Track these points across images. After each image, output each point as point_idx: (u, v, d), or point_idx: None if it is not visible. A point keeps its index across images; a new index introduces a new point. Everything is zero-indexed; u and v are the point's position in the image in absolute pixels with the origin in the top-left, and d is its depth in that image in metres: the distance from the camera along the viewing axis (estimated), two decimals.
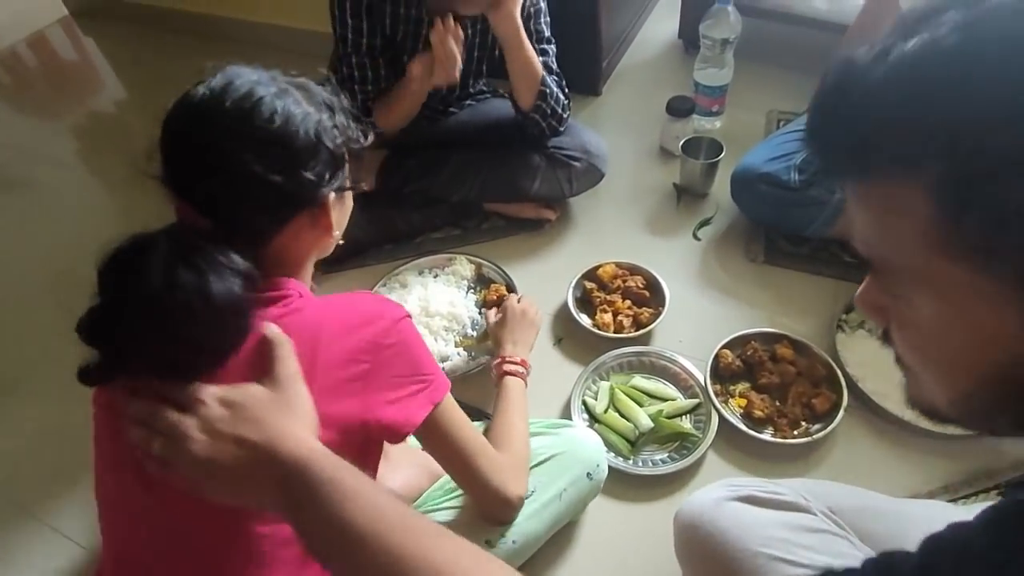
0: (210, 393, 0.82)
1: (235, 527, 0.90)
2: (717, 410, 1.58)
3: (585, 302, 1.88)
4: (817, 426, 1.55)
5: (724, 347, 1.69)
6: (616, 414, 1.62)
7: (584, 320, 1.83)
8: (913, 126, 0.49)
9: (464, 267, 1.98)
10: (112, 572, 0.97)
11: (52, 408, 1.80)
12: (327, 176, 0.97)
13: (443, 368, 1.72)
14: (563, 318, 1.88)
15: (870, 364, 1.62)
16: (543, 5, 1.90)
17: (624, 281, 1.88)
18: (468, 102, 2.17)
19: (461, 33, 1.76)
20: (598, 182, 2.10)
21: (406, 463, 1.38)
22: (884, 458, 1.52)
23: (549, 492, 1.30)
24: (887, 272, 0.58)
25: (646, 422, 1.58)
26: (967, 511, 1.24)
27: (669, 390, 1.68)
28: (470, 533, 1.19)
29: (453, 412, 1.10)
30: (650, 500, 1.51)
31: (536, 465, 1.31)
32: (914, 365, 0.61)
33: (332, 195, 1.00)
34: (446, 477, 1.30)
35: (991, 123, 0.46)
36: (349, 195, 1.09)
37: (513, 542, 1.24)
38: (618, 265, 1.92)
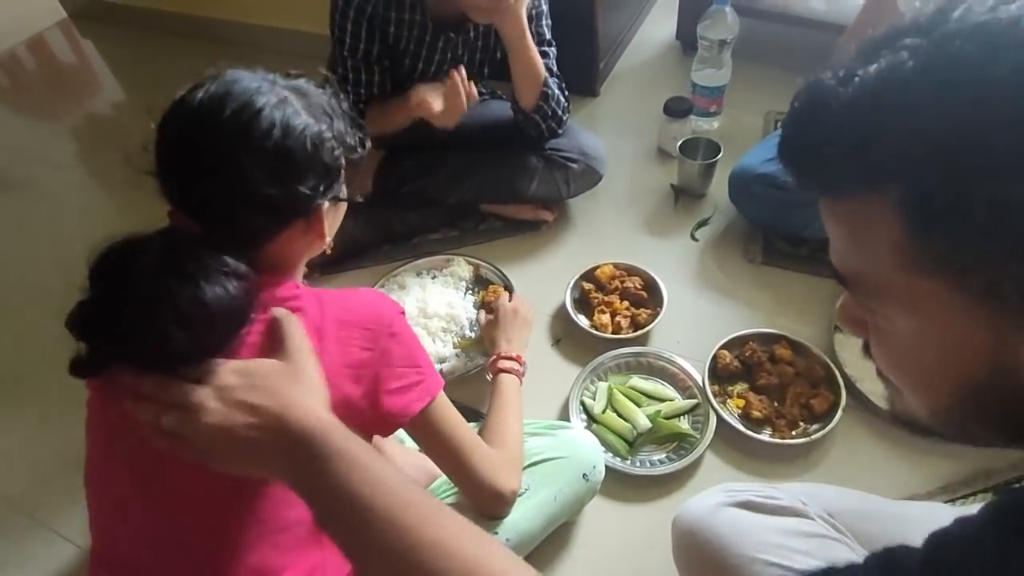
0: (222, 364, 0.83)
1: (228, 519, 0.90)
2: (715, 411, 1.58)
3: (583, 303, 1.88)
4: (815, 427, 1.55)
5: (722, 348, 1.69)
6: (614, 414, 1.62)
7: (582, 321, 1.83)
8: (877, 147, 0.50)
9: (462, 268, 1.98)
10: (103, 571, 0.97)
11: (49, 408, 1.81)
12: (322, 188, 0.97)
13: (441, 369, 1.73)
14: (561, 319, 1.88)
15: (868, 365, 1.61)
16: (545, 8, 1.90)
17: (622, 282, 1.88)
18: None
19: (475, 93, 1.77)
20: (596, 184, 2.10)
21: (404, 464, 1.38)
22: (883, 458, 1.52)
23: (544, 492, 1.30)
24: (861, 287, 0.58)
25: (644, 423, 1.58)
26: (966, 511, 1.24)
27: (667, 391, 1.68)
28: None
29: (447, 409, 1.10)
30: (648, 500, 1.51)
31: (532, 465, 1.31)
32: (893, 378, 0.62)
33: (326, 204, 0.99)
34: (442, 478, 1.31)
35: (951, 143, 0.47)
36: (343, 204, 1.08)
37: (507, 540, 1.24)
38: (616, 266, 1.92)
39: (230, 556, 0.91)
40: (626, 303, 1.85)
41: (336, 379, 0.93)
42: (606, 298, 1.86)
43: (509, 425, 1.31)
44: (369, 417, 0.99)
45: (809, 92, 0.55)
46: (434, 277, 1.98)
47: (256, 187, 0.90)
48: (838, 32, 2.23)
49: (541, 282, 1.96)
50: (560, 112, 1.98)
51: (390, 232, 2.10)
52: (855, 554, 0.98)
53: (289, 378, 0.83)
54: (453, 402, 1.12)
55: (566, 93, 1.99)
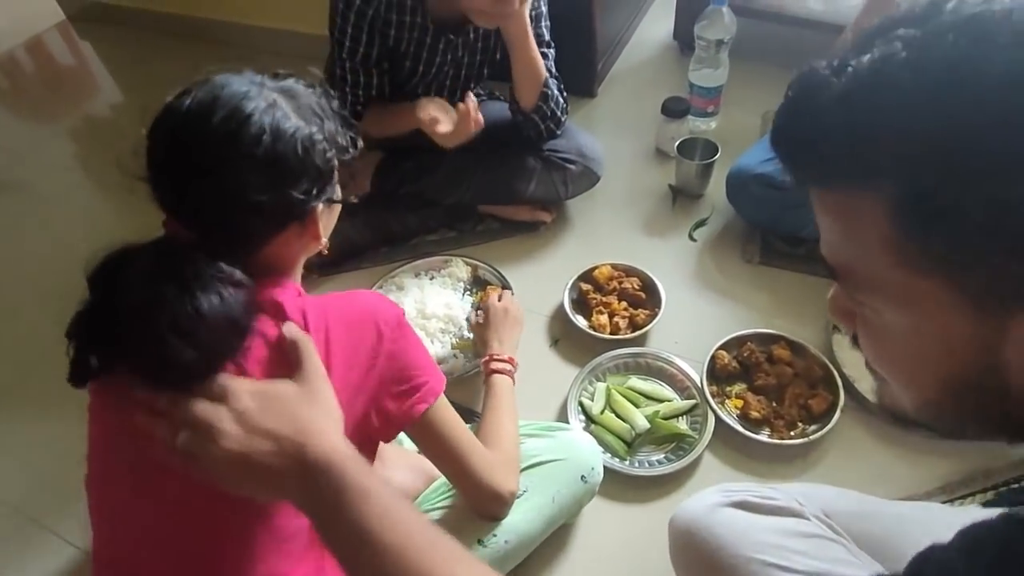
0: (241, 386, 0.82)
1: (229, 526, 0.90)
2: (713, 411, 1.58)
3: (581, 304, 1.88)
4: (814, 427, 1.55)
5: (720, 348, 1.69)
6: (612, 415, 1.63)
7: (580, 321, 1.83)
8: (867, 141, 0.50)
9: (460, 269, 1.98)
10: (105, 574, 0.97)
11: (49, 410, 1.80)
12: (315, 191, 0.96)
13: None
14: (559, 320, 1.88)
15: (882, 371, 1.62)
16: (544, 9, 1.90)
17: (620, 283, 1.88)
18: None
19: (481, 120, 1.77)
20: (593, 185, 2.10)
21: (402, 466, 1.38)
22: (881, 458, 1.52)
23: (542, 494, 1.30)
24: (850, 279, 0.58)
25: (642, 423, 1.58)
26: (964, 512, 1.25)
27: (665, 391, 1.68)
28: (462, 531, 1.21)
29: (446, 410, 1.11)
30: (646, 501, 1.51)
31: (530, 467, 1.31)
32: (880, 370, 0.62)
33: (320, 206, 0.99)
34: (441, 480, 1.31)
35: (947, 143, 0.46)
36: (337, 206, 1.08)
37: (506, 542, 1.24)
38: (614, 267, 1.92)
39: (235, 564, 0.91)
40: (624, 304, 1.85)
41: (347, 392, 0.93)
42: (604, 299, 1.86)
43: (504, 426, 1.31)
44: (374, 425, 0.98)
45: (802, 82, 0.55)
46: (432, 278, 1.98)
47: (248, 194, 0.90)
48: (835, 32, 2.24)
49: (539, 283, 1.96)
50: (559, 113, 1.98)
51: (388, 233, 2.10)
52: (852, 555, 0.98)
53: (306, 403, 0.83)
54: (451, 403, 1.12)
55: (565, 94, 1.99)
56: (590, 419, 1.63)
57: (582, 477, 1.36)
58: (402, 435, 1.09)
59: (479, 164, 2.02)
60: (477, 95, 2.19)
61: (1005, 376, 0.52)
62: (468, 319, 1.79)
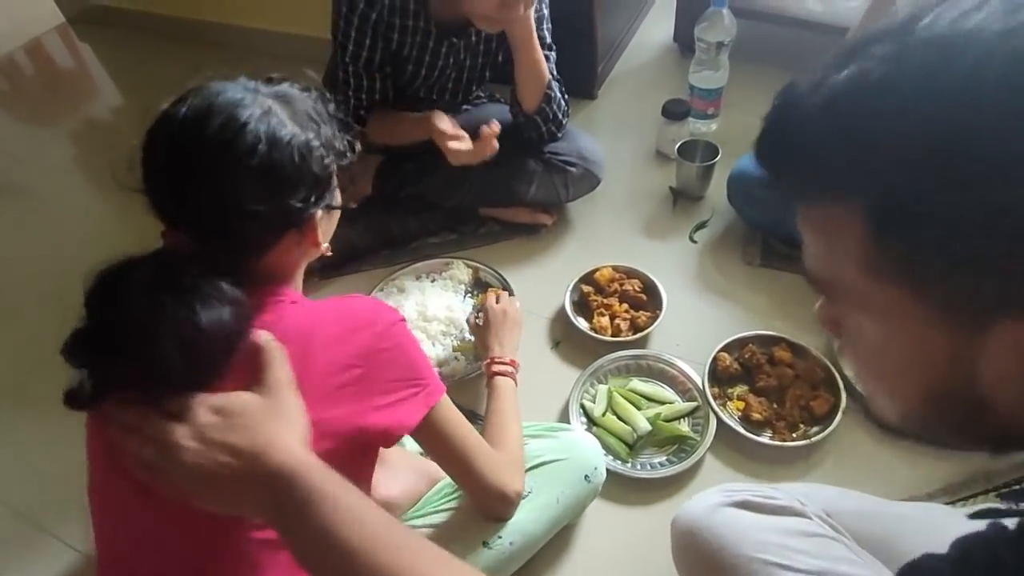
0: (200, 401, 0.82)
1: (227, 532, 0.90)
2: (715, 413, 1.58)
3: (582, 306, 1.88)
4: (815, 428, 1.55)
5: (722, 350, 1.69)
6: (614, 417, 1.63)
7: (581, 324, 1.83)
8: (843, 156, 0.51)
9: (461, 271, 1.98)
10: None
11: (49, 414, 1.79)
12: (313, 198, 0.96)
13: (441, 373, 1.72)
14: (560, 322, 1.88)
15: (861, 379, 1.62)
16: (546, 12, 1.90)
17: (621, 284, 1.88)
18: (465, 107, 2.17)
19: (496, 146, 1.79)
20: (594, 188, 2.10)
21: (405, 468, 1.38)
22: (883, 460, 1.52)
23: (546, 494, 1.30)
24: (832, 292, 0.59)
25: (644, 425, 1.58)
26: (965, 513, 1.25)
27: (667, 393, 1.68)
28: (467, 533, 1.21)
29: (449, 414, 1.10)
30: (648, 503, 1.51)
31: (534, 467, 1.31)
32: (863, 380, 0.63)
33: (319, 212, 0.99)
34: (444, 481, 1.31)
35: (914, 154, 0.47)
36: (337, 210, 1.08)
37: (511, 543, 1.24)
38: (615, 269, 1.92)
39: (232, 570, 0.91)
40: (625, 306, 1.85)
41: (326, 401, 0.92)
42: (605, 301, 1.86)
43: (508, 427, 1.31)
44: (368, 434, 0.98)
45: (782, 97, 0.56)
46: (433, 281, 1.98)
47: (245, 203, 0.90)
48: (835, 33, 2.25)
49: (540, 285, 1.96)
50: (560, 116, 1.98)
51: (389, 236, 2.10)
52: (854, 553, 0.99)
53: (268, 415, 0.82)
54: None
55: (566, 97, 2.00)
56: (592, 421, 1.63)
57: (585, 476, 1.36)
58: (405, 436, 1.09)
59: (480, 167, 2.01)
60: (478, 97, 2.20)
61: (983, 389, 0.52)
62: (468, 321, 1.79)
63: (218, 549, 0.91)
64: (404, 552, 0.76)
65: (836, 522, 1.04)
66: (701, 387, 1.64)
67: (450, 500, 1.28)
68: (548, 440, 1.38)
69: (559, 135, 2.03)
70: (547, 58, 1.91)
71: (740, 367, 1.67)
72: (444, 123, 1.80)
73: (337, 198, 1.06)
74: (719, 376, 1.66)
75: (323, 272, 2.00)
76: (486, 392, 1.46)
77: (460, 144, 1.78)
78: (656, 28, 2.94)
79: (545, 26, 1.91)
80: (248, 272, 0.94)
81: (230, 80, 0.96)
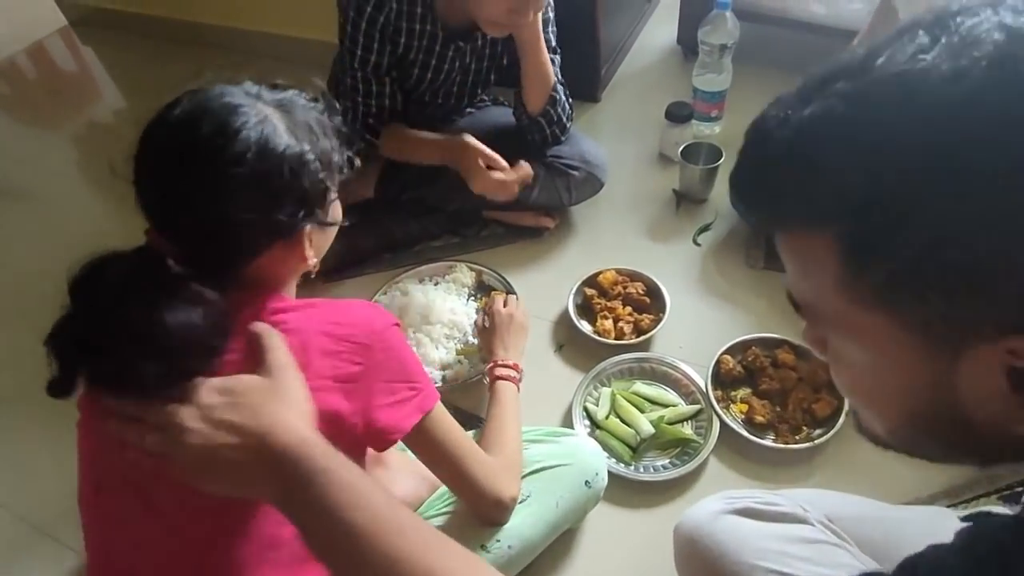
0: (203, 383, 0.82)
1: (222, 531, 0.90)
2: (718, 416, 1.58)
3: (586, 309, 1.88)
4: (818, 431, 1.55)
5: (725, 353, 1.69)
6: (618, 420, 1.63)
7: (585, 327, 1.83)
8: (809, 186, 0.53)
9: (465, 275, 1.98)
10: None
11: (49, 417, 1.80)
12: (302, 213, 0.94)
13: (444, 376, 1.73)
14: (564, 325, 1.88)
15: (849, 399, 1.62)
16: (551, 15, 1.90)
17: (624, 287, 1.88)
18: (468, 110, 2.17)
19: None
20: (597, 191, 2.10)
21: (407, 473, 1.37)
22: (885, 463, 1.49)
23: (546, 499, 1.30)
24: (812, 315, 0.61)
25: (647, 428, 1.58)
26: (959, 515, 1.24)
27: (670, 396, 1.68)
28: (465, 536, 1.21)
29: (443, 420, 1.10)
30: (652, 506, 1.51)
31: (534, 472, 1.31)
32: (848, 399, 0.66)
33: (308, 227, 0.97)
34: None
35: (877, 188, 0.49)
36: (333, 226, 1.06)
37: (509, 547, 1.24)
38: (618, 272, 1.92)
39: (226, 572, 0.91)
40: (629, 309, 1.85)
41: (325, 394, 0.92)
42: (609, 304, 1.86)
43: (507, 432, 1.31)
44: (362, 433, 0.98)
45: (752, 132, 0.58)
46: (436, 284, 1.98)
47: (229, 212, 0.89)
48: (838, 35, 2.25)
49: (543, 288, 1.96)
50: (565, 119, 1.99)
51: (392, 239, 2.10)
52: (856, 559, 0.99)
53: (271, 395, 0.83)
54: (456, 408, 1.12)
55: (570, 100, 2.00)
56: (595, 424, 1.63)
57: (586, 482, 1.36)
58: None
59: None
60: (481, 100, 2.20)
61: (964, 407, 0.54)
62: (475, 323, 1.78)
63: (209, 552, 0.91)
64: (407, 532, 0.76)
65: (839, 528, 1.04)
66: (704, 390, 1.64)
67: (450, 504, 1.28)
68: (549, 445, 1.38)
69: (563, 138, 2.03)
70: (552, 61, 1.91)
71: (743, 370, 1.67)
72: (477, 145, 1.82)
73: (334, 214, 1.04)
74: (722, 379, 1.66)
75: (327, 276, 2.00)
76: (487, 396, 1.46)
77: (497, 173, 1.79)
78: (659, 31, 2.94)
79: (550, 29, 1.91)
80: (236, 277, 0.94)
81: (235, 83, 0.95)
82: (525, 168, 1.84)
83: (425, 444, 1.09)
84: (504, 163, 1.83)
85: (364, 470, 1.09)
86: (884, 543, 1.03)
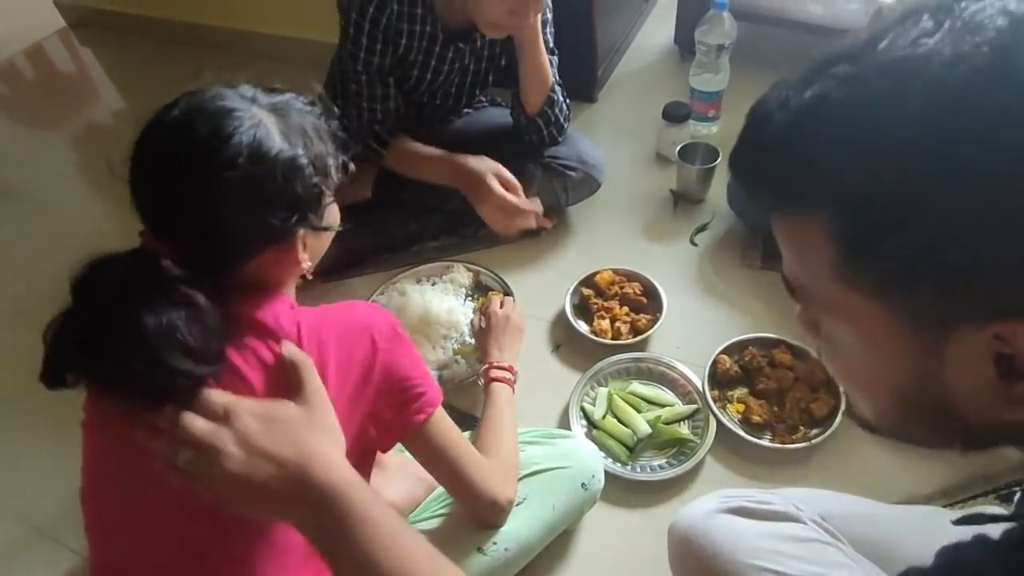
0: (243, 406, 0.82)
1: (227, 534, 0.90)
2: (715, 416, 1.58)
3: (583, 309, 1.89)
4: (815, 431, 1.55)
5: (722, 352, 1.69)
6: (614, 420, 1.63)
7: (582, 327, 1.83)
8: (806, 172, 0.53)
9: (462, 275, 1.98)
10: None
11: (50, 419, 1.80)
12: (295, 218, 0.94)
13: (442, 376, 1.73)
14: (561, 325, 1.88)
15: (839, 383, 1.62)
16: (549, 16, 1.90)
17: (621, 287, 1.88)
18: (465, 110, 2.18)
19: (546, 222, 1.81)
20: (594, 192, 2.10)
21: (404, 474, 1.38)
22: (882, 462, 1.52)
23: (543, 501, 1.30)
24: (805, 298, 0.61)
25: (644, 428, 1.58)
26: (952, 518, 1.25)
27: (667, 396, 1.68)
28: (461, 539, 1.21)
29: (444, 423, 1.10)
30: (648, 506, 1.51)
31: (530, 475, 1.31)
32: (839, 383, 0.66)
33: (303, 231, 0.97)
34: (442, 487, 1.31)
35: (871, 172, 0.49)
36: (329, 231, 1.06)
37: (506, 549, 1.24)
38: (615, 272, 1.92)
39: (228, 574, 0.91)
40: (626, 309, 1.85)
41: (342, 404, 0.92)
42: (606, 304, 1.86)
43: (502, 434, 1.31)
44: (371, 437, 0.98)
45: (753, 113, 0.58)
46: (434, 284, 1.98)
47: (220, 216, 0.89)
48: (835, 36, 2.23)
49: (541, 288, 1.96)
50: (562, 119, 1.99)
51: (389, 239, 2.10)
52: (849, 558, 0.99)
53: (309, 426, 0.83)
54: (453, 408, 1.12)
55: (568, 101, 2.00)
56: (592, 424, 1.64)
57: (583, 484, 1.36)
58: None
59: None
60: (479, 101, 2.20)
61: (948, 393, 0.55)
62: (471, 323, 1.79)
63: (216, 555, 0.91)
64: (425, 568, 0.79)
65: (832, 526, 1.04)
66: (701, 390, 1.64)
67: (447, 505, 1.28)
68: (546, 447, 1.38)
69: (560, 139, 2.03)
70: (550, 62, 1.91)
71: (740, 370, 1.67)
72: (496, 169, 1.83)
73: (330, 217, 1.04)
74: (719, 379, 1.67)
75: (325, 276, 2.00)
76: (482, 398, 1.46)
77: (513, 199, 1.79)
78: (656, 31, 2.94)
79: (548, 30, 1.91)
80: (232, 279, 0.94)
81: (232, 86, 0.95)
82: (537, 203, 1.83)
83: (424, 445, 1.09)
84: (519, 188, 1.81)
85: (371, 474, 1.11)
86: (878, 542, 1.04)
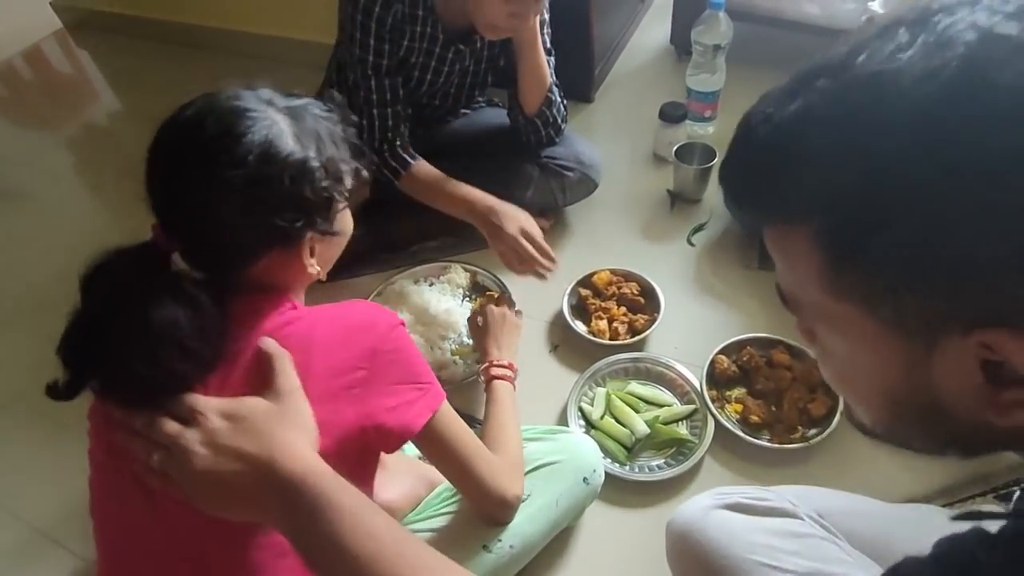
0: (211, 405, 0.83)
1: (232, 539, 0.90)
2: (713, 416, 1.59)
3: (580, 309, 1.89)
4: (813, 431, 1.55)
5: (720, 353, 1.69)
6: (612, 420, 1.63)
7: (580, 327, 1.83)
8: (790, 185, 0.54)
9: (459, 275, 1.98)
10: None
11: (51, 422, 1.80)
12: (302, 221, 0.95)
13: (440, 377, 1.72)
14: (559, 325, 1.88)
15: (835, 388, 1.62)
16: (547, 16, 1.90)
17: (619, 288, 1.88)
18: (463, 111, 2.17)
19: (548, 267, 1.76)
20: (591, 192, 2.10)
21: (404, 472, 1.38)
22: (880, 462, 1.52)
23: (545, 497, 1.30)
24: (799, 306, 0.62)
25: (642, 428, 1.58)
26: (950, 515, 1.25)
27: (665, 396, 1.68)
28: (467, 537, 1.22)
29: (451, 419, 1.10)
30: (647, 506, 1.51)
31: (532, 470, 1.31)
32: (834, 389, 0.67)
33: (310, 235, 0.98)
34: (444, 485, 1.31)
35: (849, 185, 0.50)
36: (339, 236, 1.07)
37: (511, 547, 1.24)
38: (613, 272, 1.92)
39: None
40: (623, 309, 1.85)
41: (330, 405, 0.92)
42: (603, 304, 1.86)
43: (507, 431, 1.31)
44: (371, 437, 0.98)
45: (740, 126, 0.59)
46: (431, 284, 1.98)
47: (224, 213, 0.90)
48: (832, 36, 2.24)
49: (538, 289, 1.95)
50: (560, 119, 1.99)
51: (387, 240, 2.09)
52: (845, 553, 1.00)
53: (279, 421, 0.83)
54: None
55: (565, 101, 2.00)
56: (590, 424, 1.64)
57: (584, 479, 1.36)
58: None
59: (477, 171, 2.01)
60: (476, 102, 2.20)
61: (941, 399, 0.55)
62: (468, 321, 1.78)
63: (218, 559, 0.91)
64: (406, 562, 0.77)
65: (828, 522, 1.05)
66: (699, 390, 1.65)
67: (450, 504, 1.28)
68: (546, 443, 1.39)
69: (557, 139, 2.03)
70: (547, 62, 1.91)
71: (738, 370, 1.67)
72: (526, 216, 1.77)
73: (341, 224, 1.05)
74: (717, 379, 1.67)
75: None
76: (484, 396, 1.46)
77: (528, 247, 1.74)
78: (653, 31, 2.94)
79: (545, 30, 1.91)
80: (240, 279, 0.94)
81: (252, 88, 0.96)
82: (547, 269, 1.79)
83: (432, 443, 1.09)
84: (542, 235, 1.77)
85: (375, 473, 1.10)
86: (874, 538, 1.04)
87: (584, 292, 1.89)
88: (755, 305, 1.86)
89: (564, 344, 1.85)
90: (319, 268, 1.03)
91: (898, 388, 0.57)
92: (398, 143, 1.82)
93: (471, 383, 1.72)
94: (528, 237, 1.72)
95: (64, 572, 1.55)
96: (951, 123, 0.46)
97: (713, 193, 2.12)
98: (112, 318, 0.83)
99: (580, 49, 2.47)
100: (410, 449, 1.45)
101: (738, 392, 1.65)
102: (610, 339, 1.79)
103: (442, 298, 1.91)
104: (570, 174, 2.03)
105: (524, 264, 1.74)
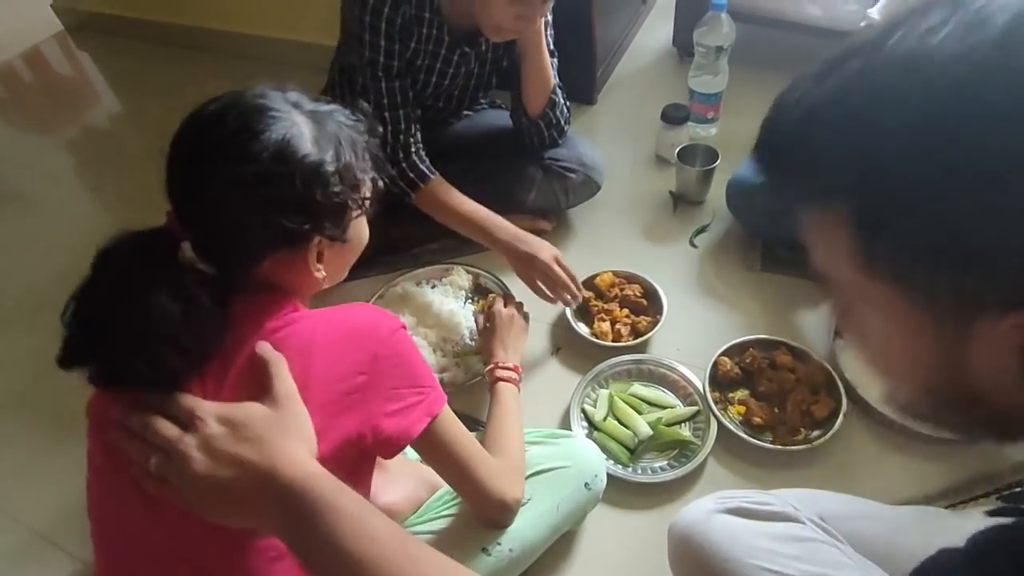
0: (209, 410, 0.82)
1: (229, 542, 0.90)
2: (716, 417, 1.58)
3: (583, 311, 1.88)
4: (816, 432, 1.54)
5: (722, 354, 1.69)
6: (615, 422, 1.62)
7: (582, 329, 1.83)
8: (822, 165, 0.54)
9: (462, 277, 1.98)
10: None
11: (50, 424, 1.80)
12: (310, 224, 0.94)
13: (442, 379, 1.72)
14: (561, 327, 1.88)
15: (868, 370, 1.62)
16: (549, 18, 1.90)
17: (621, 290, 1.88)
18: (465, 113, 2.17)
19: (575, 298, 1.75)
20: (594, 194, 2.10)
21: (406, 475, 1.37)
22: (884, 464, 1.52)
23: (546, 502, 1.30)
24: (834, 286, 0.62)
25: (645, 430, 1.58)
26: (962, 515, 1.25)
27: (668, 398, 1.68)
28: (467, 540, 1.21)
29: (451, 423, 1.10)
30: (650, 508, 1.51)
31: (534, 475, 1.31)
32: (870, 368, 0.66)
33: (318, 240, 0.97)
34: (445, 488, 1.30)
35: (883, 165, 0.50)
36: (350, 245, 1.06)
37: (510, 550, 1.24)
38: (615, 274, 1.92)
39: None
40: (626, 311, 1.85)
41: (328, 409, 0.92)
42: (606, 306, 1.86)
43: (510, 434, 1.30)
44: (370, 443, 0.98)
45: (774, 106, 0.59)
46: (433, 286, 1.98)
47: (232, 207, 0.90)
48: (834, 37, 2.25)
49: None
50: (563, 121, 1.99)
51: (390, 242, 2.09)
52: (847, 557, 1.00)
53: (276, 427, 0.83)
54: (453, 412, 1.11)
55: (568, 103, 2.00)
56: (593, 426, 1.63)
57: (586, 484, 1.36)
58: None
59: (479, 173, 2.01)
60: (479, 104, 2.20)
61: (975, 380, 0.55)
62: (476, 323, 1.77)
63: (214, 562, 0.91)
64: (410, 563, 0.77)
65: (831, 526, 1.05)
66: (702, 391, 1.64)
67: (451, 507, 1.28)
68: (549, 447, 1.38)
69: (560, 141, 2.03)
70: (551, 64, 1.91)
71: (741, 371, 1.67)
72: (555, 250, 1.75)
73: (355, 232, 1.04)
74: (720, 380, 1.66)
75: None
76: (488, 398, 1.46)
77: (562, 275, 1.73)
78: (655, 32, 2.94)
79: (548, 32, 1.91)
80: (247, 278, 0.94)
81: (279, 89, 0.97)
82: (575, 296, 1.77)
83: (431, 447, 1.08)
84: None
85: (371, 478, 1.10)
86: (877, 542, 1.04)
87: (587, 294, 1.88)
88: (758, 307, 1.86)
89: (567, 346, 1.84)
90: (326, 274, 1.02)
91: (933, 370, 0.57)
92: (413, 149, 1.80)
93: (475, 385, 1.71)
94: (561, 266, 1.72)
95: (62, 574, 1.55)
96: (982, 105, 0.46)
97: (716, 195, 2.11)
98: (112, 299, 0.84)
99: (582, 51, 2.46)
100: (411, 452, 1.45)
101: (741, 394, 1.65)
102: (613, 341, 1.78)
103: (444, 300, 1.90)
104: (573, 176, 2.03)
105: (556, 291, 1.73)
